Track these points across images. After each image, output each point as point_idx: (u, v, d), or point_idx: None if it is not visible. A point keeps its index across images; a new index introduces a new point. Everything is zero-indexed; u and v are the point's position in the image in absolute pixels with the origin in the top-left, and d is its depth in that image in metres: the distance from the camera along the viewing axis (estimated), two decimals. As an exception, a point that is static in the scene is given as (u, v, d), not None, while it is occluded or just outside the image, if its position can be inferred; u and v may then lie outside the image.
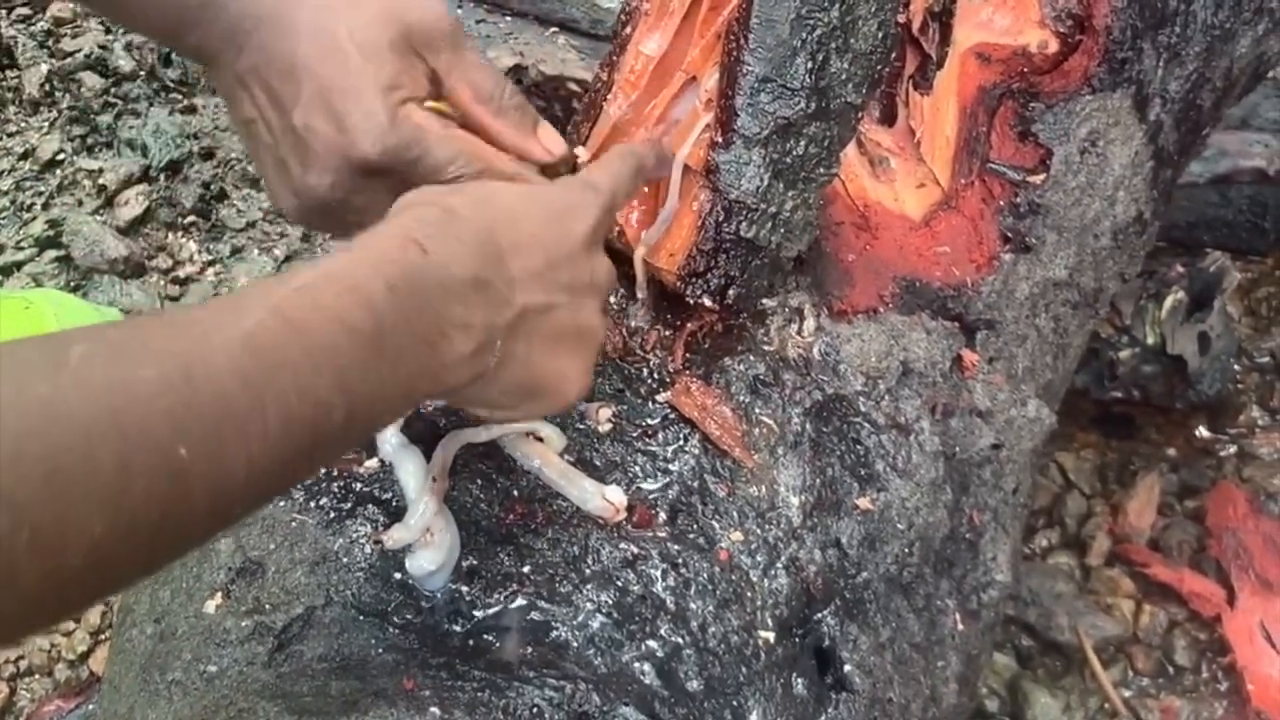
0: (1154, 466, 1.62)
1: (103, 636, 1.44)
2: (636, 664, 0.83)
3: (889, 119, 1.10)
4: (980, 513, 1.04)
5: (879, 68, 0.94)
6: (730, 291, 0.92)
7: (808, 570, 0.91)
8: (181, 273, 1.72)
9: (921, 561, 0.98)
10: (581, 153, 0.95)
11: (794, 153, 0.90)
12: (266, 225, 1.80)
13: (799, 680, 0.89)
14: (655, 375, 0.94)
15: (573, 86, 1.92)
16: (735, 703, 0.85)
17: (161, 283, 1.71)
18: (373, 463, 0.88)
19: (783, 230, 0.92)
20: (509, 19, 2.08)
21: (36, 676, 1.43)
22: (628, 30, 0.96)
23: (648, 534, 0.88)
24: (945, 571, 1.01)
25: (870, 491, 0.97)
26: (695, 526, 0.90)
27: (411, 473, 0.86)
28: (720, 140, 0.89)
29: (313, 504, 0.86)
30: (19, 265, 1.69)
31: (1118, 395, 1.56)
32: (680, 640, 0.84)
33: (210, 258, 1.76)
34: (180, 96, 1.92)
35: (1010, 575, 1.06)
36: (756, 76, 0.88)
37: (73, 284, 1.68)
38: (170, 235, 1.77)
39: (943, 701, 0.98)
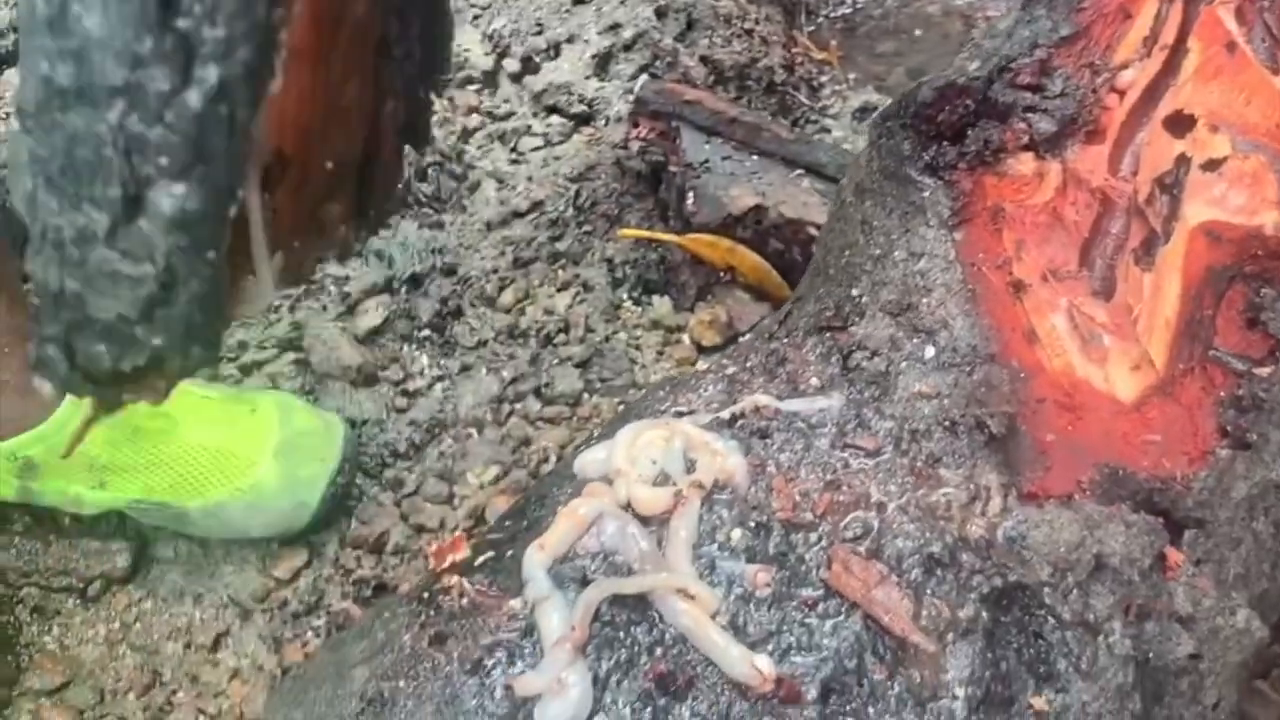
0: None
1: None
2: None
3: (1106, 293, 1.04)
4: (1175, 727, 0.95)
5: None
6: None
7: (967, 771, 0.85)
8: (411, 386, 1.76)
9: (1100, 774, 0.90)
10: None
11: None
12: (497, 345, 1.83)
13: None
14: (821, 543, 0.90)
15: (812, 231, 1.90)
16: None
17: (391, 394, 1.76)
18: (515, 603, 0.87)
19: None
20: (755, 158, 2.08)
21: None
22: None
23: (795, 710, 0.83)
24: (1130, 788, 0.92)
25: (1048, 691, 0.89)
26: (848, 708, 0.84)
27: (552, 618, 0.84)
28: None
29: (449, 640, 0.85)
30: (259, 365, 1.77)
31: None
32: (814, 831, 0.80)
33: (439, 373, 1.79)
34: (431, 211, 1.98)
35: (1207, 799, 0.96)
36: None
37: (307, 388, 1.74)
38: (405, 347, 1.82)
39: None
